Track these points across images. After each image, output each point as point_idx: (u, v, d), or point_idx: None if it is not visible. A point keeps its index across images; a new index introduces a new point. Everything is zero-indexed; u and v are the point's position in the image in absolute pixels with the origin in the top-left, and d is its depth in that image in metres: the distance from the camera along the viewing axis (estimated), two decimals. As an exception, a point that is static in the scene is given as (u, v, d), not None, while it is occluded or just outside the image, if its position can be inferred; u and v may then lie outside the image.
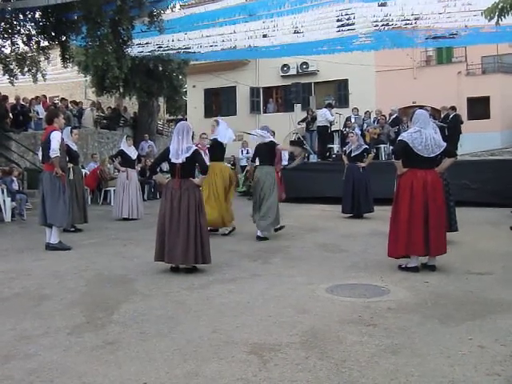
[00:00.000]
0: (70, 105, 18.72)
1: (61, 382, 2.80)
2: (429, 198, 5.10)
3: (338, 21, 11.40)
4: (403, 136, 5.33)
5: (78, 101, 20.02)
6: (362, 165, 9.88)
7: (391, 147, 13.26)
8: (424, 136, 5.11)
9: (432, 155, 5.15)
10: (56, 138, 6.71)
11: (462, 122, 14.66)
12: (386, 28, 11.55)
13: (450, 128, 13.64)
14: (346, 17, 11.26)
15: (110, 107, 21.00)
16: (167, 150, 5.48)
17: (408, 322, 3.67)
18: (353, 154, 9.94)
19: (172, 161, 5.38)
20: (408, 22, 11.15)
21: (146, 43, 13.04)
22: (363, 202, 9.73)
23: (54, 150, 6.64)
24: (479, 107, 20.95)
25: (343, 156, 10.54)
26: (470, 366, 2.87)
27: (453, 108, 14.72)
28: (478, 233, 7.58)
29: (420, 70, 21.91)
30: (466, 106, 20.52)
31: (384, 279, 4.93)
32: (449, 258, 5.42)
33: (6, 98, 14.57)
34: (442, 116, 14.74)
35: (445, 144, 5.25)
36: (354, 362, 2.97)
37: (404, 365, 2.91)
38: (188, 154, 5.33)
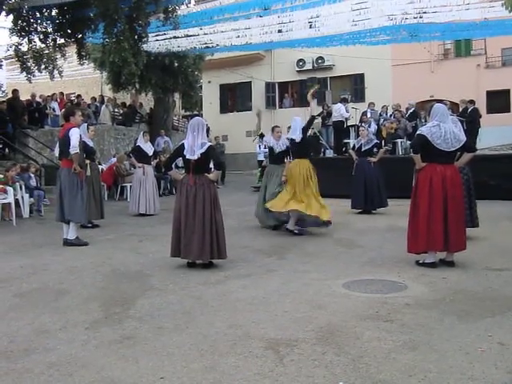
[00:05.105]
0: (86, 100, 18.90)
1: (79, 375, 2.82)
2: (448, 193, 5.03)
3: (353, 15, 11.29)
4: (422, 130, 5.28)
5: (95, 97, 20.17)
6: (373, 160, 9.76)
7: (408, 142, 13.13)
8: (443, 130, 5.04)
9: (452, 149, 5.08)
10: (75, 134, 6.77)
11: (480, 116, 14.44)
12: (403, 21, 11.41)
13: (469, 122, 13.43)
14: (362, 11, 11.14)
15: (123, 103, 21.12)
16: (182, 146, 5.48)
17: (426, 318, 3.63)
18: (363, 149, 9.82)
19: (187, 157, 5.39)
20: (425, 14, 11.00)
21: (164, 33, 13.08)
22: (376, 197, 9.64)
23: (74, 147, 6.70)
24: (499, 100, 20.58)
25: (350, 151, 10.44)
26: (490, 363, 2.83)
27: (471, 101, 14.49)
28: (497, 228, 7.47)
29: (438, 63, 21.58)
30: (485, 99, 20.19)
31: (401, 275, 4.89)
32: (467, 254, 5.34)
33: (16, 91, 14.70)
34: (461, 110, 14.53)
35: (465, 138, 5.16)
36: (371, 357, 2.94)
37: (422, 361, 2.88)
38: (203, 150, 5.34)
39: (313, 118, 7.74)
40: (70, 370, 2.90)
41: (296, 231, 7.43)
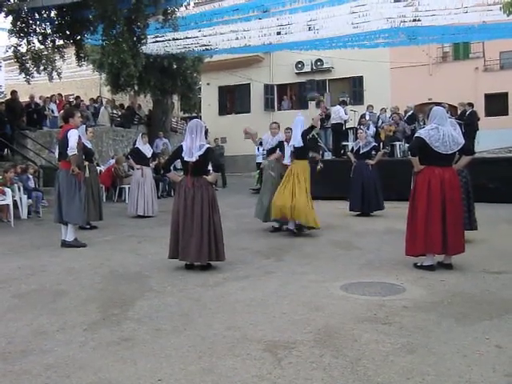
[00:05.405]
0: (85, 102, 18.89)
1: (77, 377, 2.82)
2: (446, 195, 5.04)
3: (352, 17, 11.31)
4: (420, 133, 5.29)
5: (94, 98, 20.16)
6: (371, 162, 9.78)
7: (406, 144, 13.16)
8: (441, 133, 5.06)
9: (450, 152, 5.09)
10: (74, 136, 6.78)
11: (478, 119, 14.48)
12: (402, 24, 11.42)
13: (467, 125, 13.47)
14: (361, 13, 11.16)
15: (122, 104, 21.10)
16: (180, 148, 5.49)
17: (424, 320, 3.63)
18: (361, 151, 9.85)
19: (185, 159, 5.39)
20: (424, 17, 11.01)
21: (163, 35, 13.09)
22: (373, 199, 9.67)
23: (72, 148, 6.71)
24: (497, 103, 20.65)
25: (349, 153, 10.47)
26: (488, 367, 2.83)
27: (470, 104, 14.54)
28: (495, 231, 7.48)
29: (436, 66, 21.65)
30: (483, 102, 20.25)
31: (399, 277, 4.89)
32: (465, 257, 5.35)
33: (14, 92, 14.70)
34: (459, 112, 14.58)
35: (463, 141, 5.18)
36: (369, 360, 2.94)
37: (420, 364, 2.88)
38: (201, 152, 5.34)
39: (312, 127, 7.88)
40: (68, 371, 2.89)
41: (295, 231, 7.53)
